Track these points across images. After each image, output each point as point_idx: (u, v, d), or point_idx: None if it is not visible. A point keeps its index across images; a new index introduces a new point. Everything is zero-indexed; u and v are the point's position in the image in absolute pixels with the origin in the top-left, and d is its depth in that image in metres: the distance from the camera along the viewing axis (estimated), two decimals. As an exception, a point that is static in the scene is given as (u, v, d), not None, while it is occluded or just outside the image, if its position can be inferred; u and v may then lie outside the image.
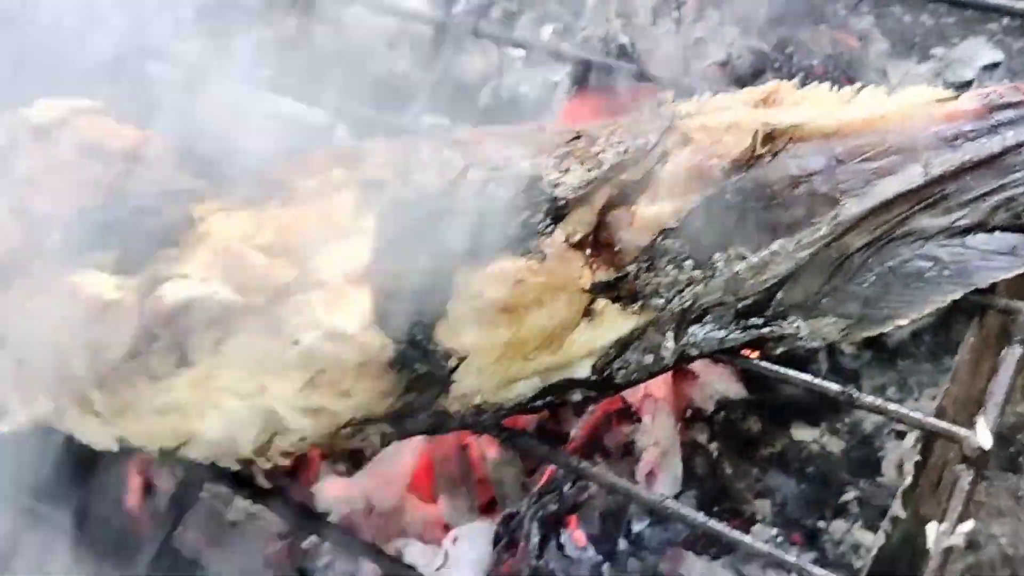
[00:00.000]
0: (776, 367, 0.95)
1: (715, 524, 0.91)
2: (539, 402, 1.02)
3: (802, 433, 1.25)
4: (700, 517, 0.92)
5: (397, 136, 1.09)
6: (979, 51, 1.41)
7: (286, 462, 1.03)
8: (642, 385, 1.18)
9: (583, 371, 1.00)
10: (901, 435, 1.22)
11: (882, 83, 1.20)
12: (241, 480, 1.09)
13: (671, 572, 1.11)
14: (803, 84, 1.02)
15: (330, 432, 1.00)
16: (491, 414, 1.01)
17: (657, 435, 1.16)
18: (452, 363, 0.93)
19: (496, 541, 1.10)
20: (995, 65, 1.39)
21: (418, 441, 1.21)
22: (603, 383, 1.00)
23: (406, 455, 1.21)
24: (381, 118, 1.22)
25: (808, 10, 1.36)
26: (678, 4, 1.27)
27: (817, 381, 0.93)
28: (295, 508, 1.04)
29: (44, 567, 1.11)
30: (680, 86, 1.17)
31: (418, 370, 0.93)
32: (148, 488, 1.32)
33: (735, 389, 1.21)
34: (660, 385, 1.20)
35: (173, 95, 1.24)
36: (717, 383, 1.20)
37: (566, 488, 1.11)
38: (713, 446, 1.21)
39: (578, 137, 0.99)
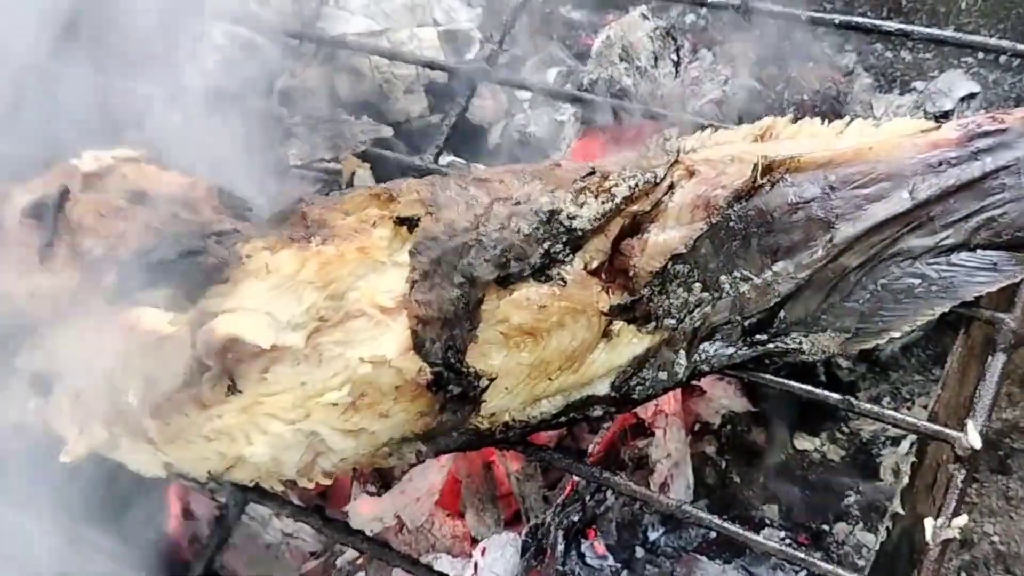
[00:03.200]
0: (782, 380, 1.02)
1: (730, 526, 0.97)
2: (562, 419, 1.09)
3: (804, 443, 1.32)
4: (716, 520, 0.98)
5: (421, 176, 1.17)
6: (957, 83, 1.50)
7: (328, 482, 1.10)
8: (654, 401, 1.25)
9: (603, 388, 1.07)
10: (896, 442, 1.29)
11: (868, 115, 1.28)
12: (283, 501, 1.16)
13: None
14: (796, 119, 1.11)
15: (369, 452, 1.07)
16: (518, 431, 1.08)
17: (669, 448, 1.23)
18: (483, 383, 1.00)
19: (524, 550, 1.17)
20: (972, 95, 1.48)
21: (445, 460, 1.28)
22: (622, 399, 1.07)
23: (433, 474, 1.28)
24: (403, 159, 1.29)
25: (794, 50, 1.45)
26: (676, 47, 1.36)
27: (820, 392, 1.00)
28: (337, 526, 1.11)
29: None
30: (681, 123, 1.25)
31: (452, 391, 1.00)
32: (187, 513, 1.38)
33: (740, 403, 1.28)
34: (671, 401, 1.27)
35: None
36: (723, 398, 1.28)
37: (587, 499, 1.18)
38: (721, 457, 1.29)
39: (592, 173, 1.07)
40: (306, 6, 1.58)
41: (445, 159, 1.34)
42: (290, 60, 1.49)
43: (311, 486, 1.11)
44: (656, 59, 1.34)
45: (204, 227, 1.10)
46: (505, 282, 1.03)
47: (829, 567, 0.92)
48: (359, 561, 1.28)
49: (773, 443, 1.28)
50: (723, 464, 1.28)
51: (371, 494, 1.29)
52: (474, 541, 1.26)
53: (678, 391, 1.28)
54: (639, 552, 1.22)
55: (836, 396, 1.00)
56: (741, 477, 1.25)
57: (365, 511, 1.25)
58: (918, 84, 1.49)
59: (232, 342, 1.02)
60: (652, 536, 1.22)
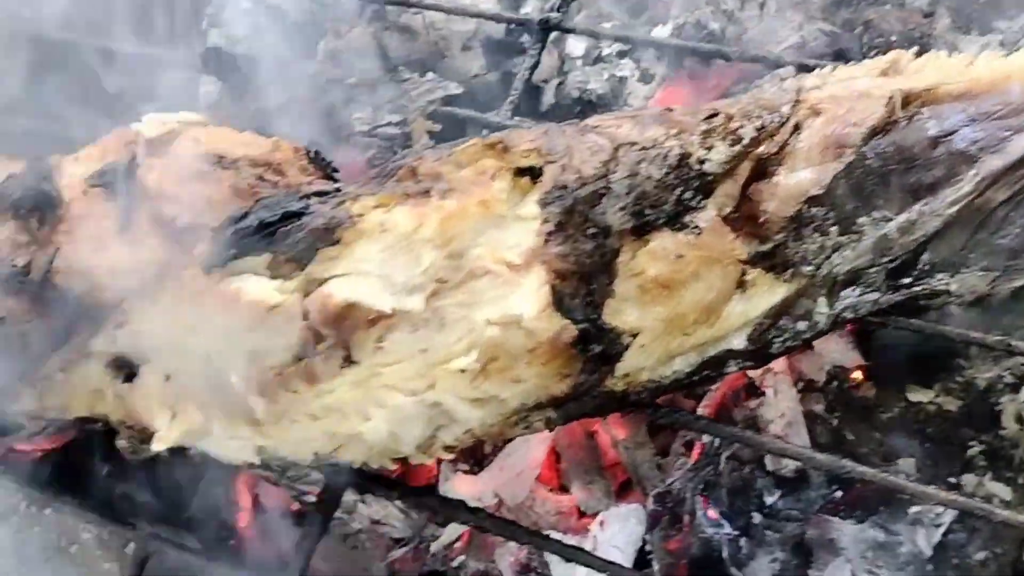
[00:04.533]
0: (931, 324, 0.98)
1: (893, 478, 0.92)
2: (696, 377, 1.02)
3: (918, 395, 1.28)
4: (875, 472, 0.93)
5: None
6: (1041, 22, 1.47)
7: (449, 456, 1.02)
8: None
9: (739, 342, 1.01)
10: (1016, 388, 1.25)
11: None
12: (392, 483, 1.08)
13: (820, 538, 1.12)
14: (919, 54, 1.06)
15: (497, 422, 1.00)
16: (650, 391, 1.01)
17: (782, 407, 1.18)
18: (626, 341, 0.94)
19: (653, 520, 1.10)
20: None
21: (546, 433, 1.21)
22: (759, 353, 1.01)
23: (534, 447, 1.21)
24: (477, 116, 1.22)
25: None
26: (761, -10, 1.31)
27: (976, 335, 0.96)
28: (455, 504, 1.03)
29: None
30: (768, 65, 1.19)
31: (593, 350, 0.93)
32: (257, 506, 1.30)
33: (852, 357, 1.24)
34: (778, 360, 1.21)
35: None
36: (835, 352, 1.23)
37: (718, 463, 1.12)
38: (832, 415, 1.24)
39: (715, 115, 1.01)
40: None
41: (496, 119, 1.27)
42: (328, 21, 1.40)
43: (430, 462, 1.04)
44: (743, 2, 1.29)
45: (298, 189, 1.02)
46: (640, 232, 0.97)
47: (1007, 512, 0.88)
48: (456, 545, 1.21)
49: (885, 397, 1.24)
50: (834, 422, 1.24)
51: (466, 473, 1.22)
52: (581, 515, 1.19)
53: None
54: (756, 518, 1.17)
55: (994, 337, 0.96)
56: (856, 435, 1.20)
57: (462, 490, 1.17)
58: (1000, 25, 1.46)
59: (350, 308, 0.94)
60: (769, 500, 1.17)
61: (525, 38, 1.47)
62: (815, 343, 1.26)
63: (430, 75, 1.25)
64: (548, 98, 1.48)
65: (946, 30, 1.41)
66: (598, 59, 1.54)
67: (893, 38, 1.26)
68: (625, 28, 1.46)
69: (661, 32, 1.35)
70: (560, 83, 1.50)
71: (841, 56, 1.27)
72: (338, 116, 1.26)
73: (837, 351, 1.24)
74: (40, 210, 1.02)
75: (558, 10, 1.27)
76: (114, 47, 1.43)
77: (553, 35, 1.37)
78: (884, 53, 1.12)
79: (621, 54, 1.50)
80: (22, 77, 1.47)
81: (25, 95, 1.45)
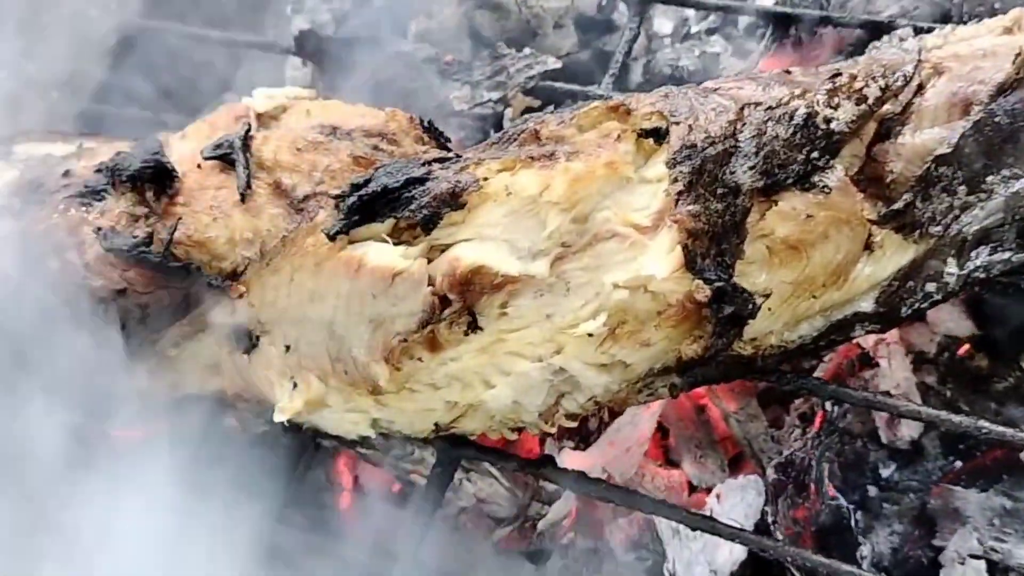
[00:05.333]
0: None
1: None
2: (822, 341, 1.00)
3: (1034, 363, 1.25)
4: (1015, 431, 0.91)
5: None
6: None
7: (572, 424, 1.00)
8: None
9: (867, 305, 0.99)
10: None
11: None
12: (505, 455, 1.06)
13: (943, 508, 1.10)
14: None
15: (622, 388, 0.98)
16: (777, 356, 0.99)
17: (897, 377, 1.15)
18: (758, 301, 0.92)
19: (776, 490, 1.08)
20: None
21: (654, 407, 1.19)
22: (888, 315, 0.99)
23: (641, 423, 1.19)
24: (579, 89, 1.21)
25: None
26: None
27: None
28: (573, 475, 1.01)
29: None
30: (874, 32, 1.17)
31: (724, 311, 0.91)
32: (357, 486, 1.28)
33: (966, 326, 1.21)
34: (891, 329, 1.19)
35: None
36: (948, 321, 1.20)
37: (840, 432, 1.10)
38: (944, 387, 1.21)
39: (839, 74, 0.99)
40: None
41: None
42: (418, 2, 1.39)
43: (553, 431, 1.02)
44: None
45: (417, 156, 1.00)
46: (768, 192, 0.95)
47: None
48: (564, 523, 1.19)
49: (998, 367, 1.21)
50: (948, 393, 1.21)
51: (573, 449, 1.20)
52: (692, 490, 1.17)
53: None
54: (872, 491, 1.14)
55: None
56: (970, 405, 1.17)
57: (571, 466, 1.15)
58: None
59: (476, 272, 0.93)
60: (885, 473, 1.14)
61: (615, 16, 1.45)
62: (928, 315, 1.23)
63: (527, 50, 1.24)
64: (636, 76, 1.46)
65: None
66: (687, 36, 1.52)
67: (996, 4, 1.24)
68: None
69: (761, 3, 1.32)
70: (649, 61, 1.48)
71: (947, 20, 1.24)
72: (435, 95, 1.25)
73: (950, 320, 1.21)
74: (157, 182, 1.01)
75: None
76: (199, 32, 1.43)
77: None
78: (990, 18, 1.10)
79: (710, 31, 1.48)
80: (108, 64, 1.47)
81: (114, 81, 1.45)
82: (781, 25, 1.20)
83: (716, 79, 1.05)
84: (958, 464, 1.13)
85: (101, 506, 1.01)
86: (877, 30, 1.15)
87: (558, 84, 1.23)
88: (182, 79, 1.48)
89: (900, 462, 1.15)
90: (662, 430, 1.21)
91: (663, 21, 1.53)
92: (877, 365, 1.16)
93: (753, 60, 1.22)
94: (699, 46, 1.45)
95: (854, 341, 1.16)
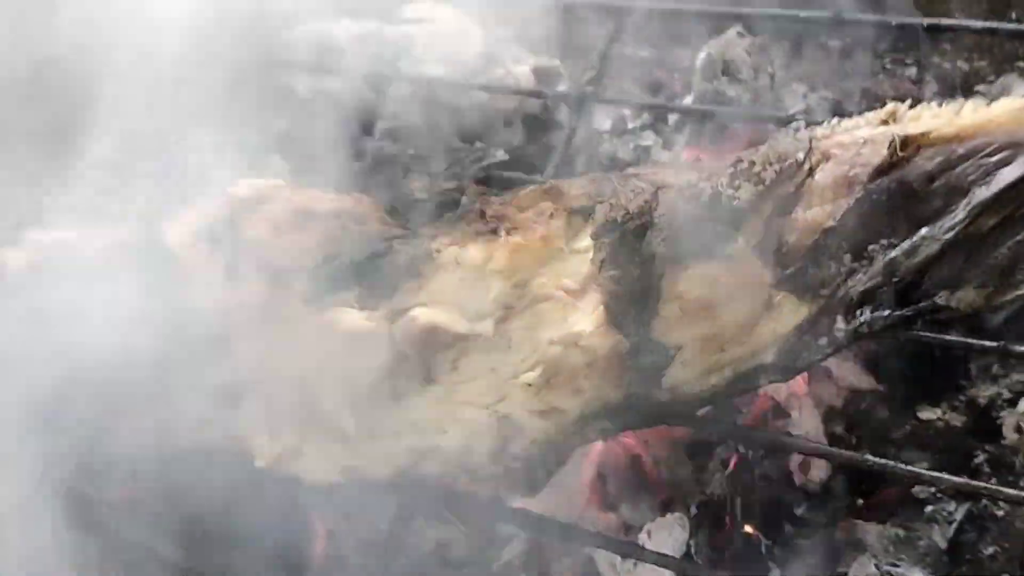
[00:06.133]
0: (938, 335, 1.10)
1: (910, 467, 1.03)
2: (732, 390, 1.14)
3: (927, 413, 1.39)
4: (902, 466, 1.04)
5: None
6: (1013, 84, 1.63)
7: (517, 466, 1.13)
8: (785, 385, 1.32)
9: (769, 357, 1.13)
10: (1013, 403, 1.37)
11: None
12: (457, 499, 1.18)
13: (848, 539, 1.22)
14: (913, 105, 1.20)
15: (559, 431, 1.11)
16: (692, 403, 1.13)
17: (807, 426, 1.29)
18: (672, 353, 1.06)
19: (698, 524, 1.20)
20: (1030, 92, 1.61)
21: (593, 457, 1.32)
22: (787, 367, 1.13)
23: (581, 472, 1.32)
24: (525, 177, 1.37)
25: (857, 68, 1.56)
26: (771, 61, 1.46)
27: (976, 341, 1.08)
28: (521, 513, 1.14)
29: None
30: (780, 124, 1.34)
31: (643, 362, 1.05)
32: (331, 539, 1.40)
33: (866, 381, 1.35)
34: (799, 383, 1.33)
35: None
36: (850, 377, 1.34)
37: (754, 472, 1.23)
38: (851, 435, 1.34)
39: (740, 161, 1.14)
40: (382, 56, 1.66)
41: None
42: (382, 105, 1.56)
43: (500, 471, 1.15)
44: (756, 72, 1.44)
45: (381, 234, 1.15)
46: (680, 260, 1.10)
47: (1014, 492, 0.98)
48: (515, 562, 1.31)
49: (897, 417, 1.35)
50: (854, 440, 1.35)
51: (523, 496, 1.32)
52: (627, 530, 1.29)
53: (805, 375, 1.35)
54: (788, 528, 1.27)
55: (991, 344, 1.08)
56: (873, 451, 1.31)
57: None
58: (980, 88, 1.61)
59: (432, 330, 1.07)
60: (798, 512, 1.28)
61: (559, 116, 1.62)
62: (833, 372, 1.38)
63: (478, 144, 1.40)
64: (580, 166, 1.63)
65: (933, 94, 1.57)
66: (624, 131, 1.69)
67: (886, 103, 1.41)
68: (656, 101, 1.62)
69: (685, 103, 1.50)
70: (590, 154, 1.65)
71: (842, 116, 1.41)
72: (399, 185, 1.40)
73: (852, 376, 1.35)
74: (156, 262, 1.15)
75: (592, 86, 1.43)
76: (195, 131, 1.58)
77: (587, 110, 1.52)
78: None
79: (644, 127, 1.66)
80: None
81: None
82: (700, 121, 1.37)
83: (638, 167, 1.21)
84: (860, 501, 1.27)
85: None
86: (781, 124, 1.31)
87: (507, 173, 1.39)
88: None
89: (811, 502, 1.28)
90: (601, 478, 1.34)
91: (603, 119, 1.70)
92: (789, 415, 1.30)
93: (676, 151, 1.39)
94: (634, 140, 1.62)
95: (768, 395, 1.31)
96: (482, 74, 1.53)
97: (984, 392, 1.38)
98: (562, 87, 1.57)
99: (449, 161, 1.40)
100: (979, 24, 1.25)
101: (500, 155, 1.37)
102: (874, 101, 1.49)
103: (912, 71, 1.62)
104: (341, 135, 1.50)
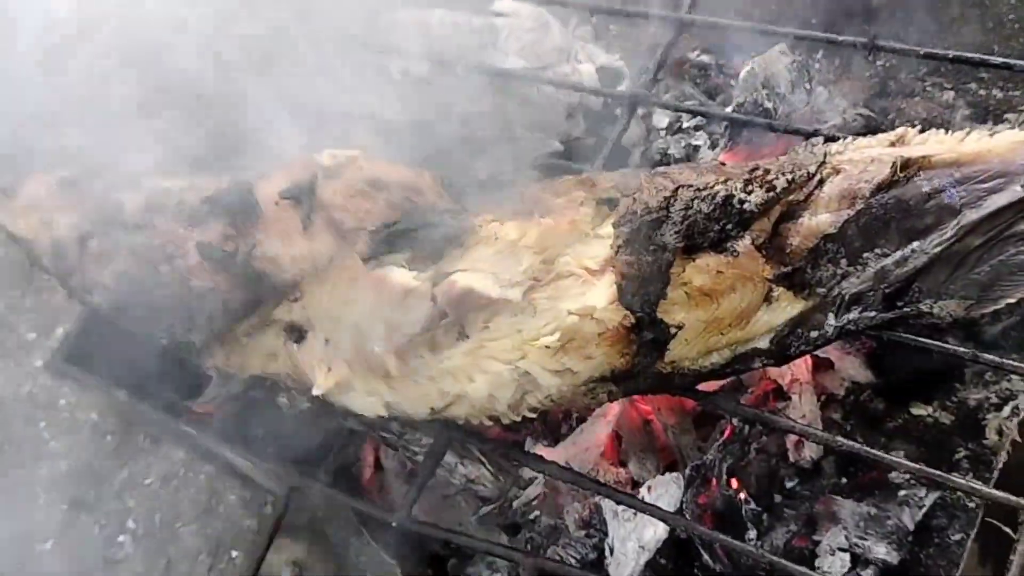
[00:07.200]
0: (917, 338, 1.20)
1: (877, 452, 1.15)
2: (728, 369, 1.27)
3: (919, 410, 1.49)
4: (863, 447, 1.16)
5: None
6: (1042, 114, 1.70)
7: (532, 416, 1.28)
8: (789, 371, 1.44)
9: (764, 344, 1.25)
10: (999, 407, 1.46)
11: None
12: (486, 439, 1.34)
13: (826, 512, 1.34)
14: (923, 130, 1.30)
15: (571, 390, 1.26)
16: (692, 378, 1.26)
17: (804, 410, 1.41)
18: (672, 332, 1.19)
19: (688, 484, 1.34)
20: (1055, 125, 1.68)
21: (611, 416, 1.46)
22: (779, 353, 1.25)
23: (600, 429, 1.46)
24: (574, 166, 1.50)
25: (901, 87, 1.65)
26: (809, 78, 1.57)
27: (950, 347, 1.18)
28: (539, 458, 1.29)
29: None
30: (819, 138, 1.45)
31: (646, 336, 1.19)
32: (378, 465, 1.57)
33: (864, 375, 1.46)
34: (803, 372, 1.44)
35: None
36: (851, 369, 1.45)
37: (743, 445, 1.36)
38: (847, 422, 1.46)
39: (756, 168, 1.26)
40: (468, 44, 1.81)
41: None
42: (463, 91, 1.70)
43: (517, 419, 1.30)
44: (793, 87, 1.55)
45: (434, 206, 1.30)
46: (689, 251, 1.22)
47: (962, 480, 1.09)
48: (534, 502, 1.46)
49: (892, 410, 1.45)
50: (848, 427, 1.46)
51: (545, 446, 1.48)
52: (635, 485, 1.43)
53: (809, 364, 1.47)
54: (777, 498, 1.39)
55: (964, 350, 1.18)
56: (865, 438, 1.42)
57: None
58: (1010, 116, 1.69)
59: (467, 294, 1.22)
60: (789, 485, 1.40)
61: (619, 110, 1.75)
62: (836, 363, 1.49)
63: (537, 134, 1.54)
64: (634, 160, 1.76)
65: (963, 119, 1.64)
66: (679, 130, 1.81)
67: (917, 124, 1.49)
68: (701, 106, 1.74)
69: (727, 110, 1.61)
70: (646, 148, 1.77)
71: (876, 132, 1.51)
72: (463, 165, 1.56)
73: (854, 370, 1.46)
74: (245, 213, 1.32)
75: (648, 89, 1.55)
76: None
77: (641, 109, 1.65)
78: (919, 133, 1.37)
79: (698, 128, 1.77)
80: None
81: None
82: (738, 128, 1.48)
83: (668, 167, 1.34)
84: (844, 481, 1.38)
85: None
86: (807, 137, 1.42)
87: (562, 162, 1.52)
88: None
89: (802, 477, 1.39)
90: (617, 437, 1.47)
91: (661, 118, 1.82)
92: (790, 399, 1.42)
93: (716, 153, 1.50)
94: (686, 139, 1.74)
95: (772, 379, 1.43)
96: (553, 68, 1.67)
97: (975, 395, 1.47)
98: (622, 86, 1.70)
99: (510, 147, 1.54)
100: (998, 60, 1.33)
101: (556, 145, 1.51)
102: (906, 121, 1.58)
103: (949, 95, 1.70)
104: (422, 115, 1.66)
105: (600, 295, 1.19)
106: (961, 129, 1.29)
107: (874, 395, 1.46)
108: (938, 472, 1.10)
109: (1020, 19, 1.69)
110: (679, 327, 1.20)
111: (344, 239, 1.30)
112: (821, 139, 1.30)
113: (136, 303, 1.34)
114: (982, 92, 1.71)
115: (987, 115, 1.69)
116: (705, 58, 1.85)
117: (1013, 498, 1.06)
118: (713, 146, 1.68)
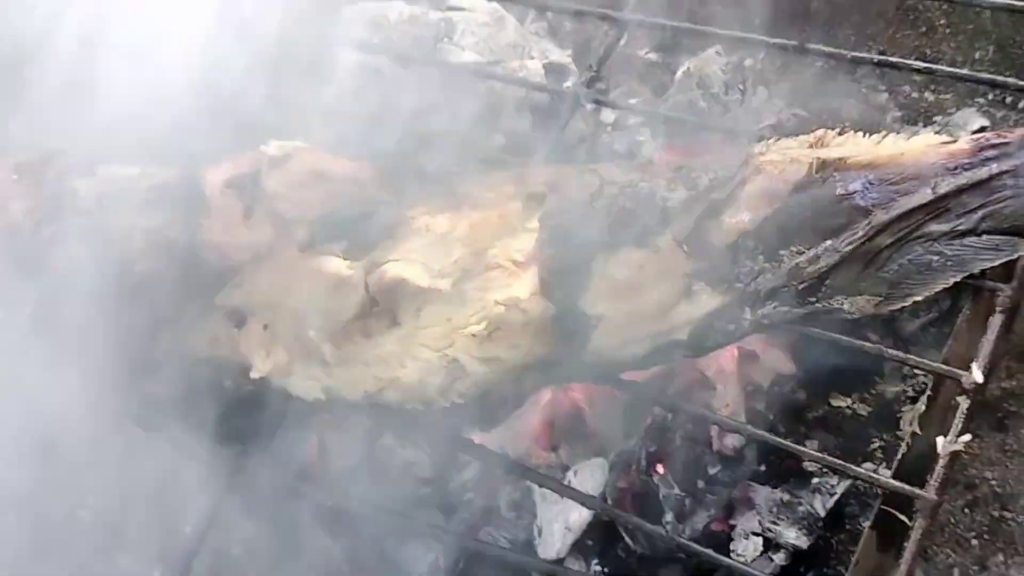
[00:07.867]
0: (829, 333, 1.25)
1: (786, 442, 1.19)
2: (648, 360, 1.32)
3: (839, 401, 1.54)
4: (773, 438, 1.20)
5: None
6: (970, 118, 1.74)
7: (461, 402, 1.33)
8: (716, 361, 1.48)
9: (683, 336, 1.30)
10: (914, 400, 1.51)
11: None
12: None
13: (742, 498, 1.39)
14: (841, 133, 1.34)
15: (498, 377, 1.30)
16: (613, 367, 1.31)
17: (728, 399, 1.45)
18: (593, 323, 1.23)
19: (611, 469, 1.39)
20: (982, 129, 1.71)
21: (543, 404, 1.51)
22: (697, 346, 1.30)
23: (532, 416, 1.51)
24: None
25: (835, 89, 1.70)
26: (743, 80, 1.61)
27: (858, 342, 1.23)
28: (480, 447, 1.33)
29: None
30: (747, 136, 1.49)
31: (568, 327, 1.23)
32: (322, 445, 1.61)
33: (787, 367, 1.51)
34: (729, 363, 1.49)
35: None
36: (775, 361, 1.50)
37: (664, 433, 1.40)
38: (769, 411, 1.50)
39: (680, 168, 1.31)
40: (424, 38, 1.84)
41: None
42: (414, 84, 1.74)
43: (447, 405, 1.34)
44: (727, 87, 1.59)
45: (373, 197, 1.34)
46: (612, 246, 1.27)
47: (863, 470, 1.14)
48: (468, 486, 1.51)
49: (813, 401, 1.50)
50: (771, 416, 1.51)
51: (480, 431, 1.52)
52: (564, 469, 1.48)
53: (735, 355, 1.51)
54: (700, 484, 1.44)
55: (870, 345, 1.23)
56: (786, 428, 1.47)
57: (477, 443, 1.47)
58: (938, 119, 1.73)
59: (398, 282, 1.26)
60: (711, 472, 1.44)
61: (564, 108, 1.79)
62: (761, 355, 1.54)
63: (484, 129, 1.58)
64: (580, 155, 1.80)
65: (894, 120, 1.69)
66: (624, 127, 1.85)
67: (848, 125, 1.54)
68: (647, 103, 1.78)
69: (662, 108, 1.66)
70: (593, 143, 1.81)
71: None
72: (407, 157, 1.60)
73: (778, 362, 1.51)
74: (190, 200, 1.36)
75: (588, 87, 1.59)
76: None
77: (590, 106, 1.69)
78: (842, 133, 1.41)
79: (642, 124, 1.82)
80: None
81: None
82: (675, 126, 1.52)
83: (599, 163, 1.38)
84: (763, 468, 1.43)
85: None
86: (735, 136, 1.46)
87: (503, 156, 1.57)
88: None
89: (724, 465, 1.44)
90: (550, 423, 1.52)
91: (608, 113, 1.86)
92: (715, 389, 1.47)
93: (653, 150, 1.55)
94: (630, 135, 1.78)
95: (699, 369, 1.47)
96: (503, 64, 1.71)
97: (892, 388, 1.52)
98: (568, 83, 1.74)
99: (455, 141, 1.58)
100: (920, 64, 1.37)
101: (500, 140, 1.55)
102: (840, 123, 1.62)
103: (883, 98, 1.75)
104: (372, 108, 1.70)
105: (525, 286, 1.23)
106: (892, 131, 1.34)
107: (796, 386, 1.51)
108: (840, 461, 1.14)
109: (951, 24, 1.74)
110: (600, 318, 1.24)
111: (285, 228, 1.34)
112: (746, 140, 1.34)
113: (85, 289, 1.38)
114: (914, 95, 1.76)
115: (918, 117, 1.73)
116: (653, 56, 1.89)
117: (908, 487, 1.11)
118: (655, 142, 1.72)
